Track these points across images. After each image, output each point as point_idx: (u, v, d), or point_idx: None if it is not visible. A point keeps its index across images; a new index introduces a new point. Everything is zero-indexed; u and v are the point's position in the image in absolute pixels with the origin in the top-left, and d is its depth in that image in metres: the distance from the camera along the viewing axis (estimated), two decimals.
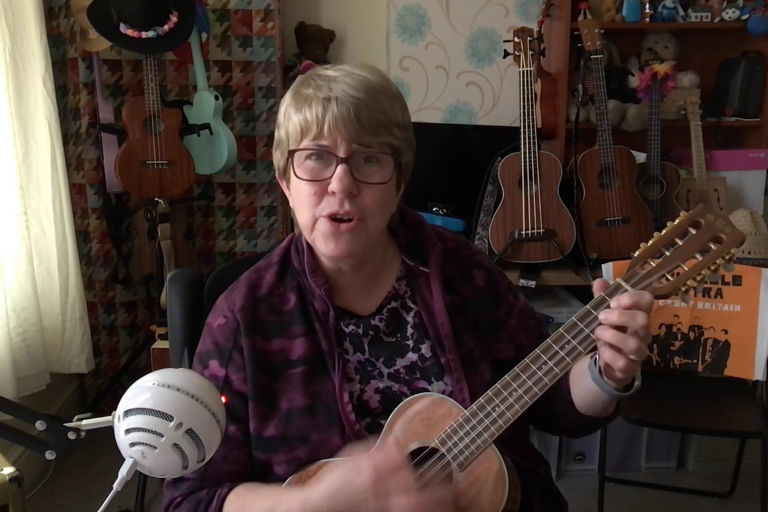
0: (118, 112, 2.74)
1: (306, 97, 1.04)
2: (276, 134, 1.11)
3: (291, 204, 1.12)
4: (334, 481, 0.96)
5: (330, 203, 1.04)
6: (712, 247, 0.96)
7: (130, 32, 2.44)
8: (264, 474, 1.12)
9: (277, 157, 1.12)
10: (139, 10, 2.44)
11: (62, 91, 2.81)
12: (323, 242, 1.07)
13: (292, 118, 1.06)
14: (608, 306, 0.96)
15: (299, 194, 1.07)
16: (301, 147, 1.05)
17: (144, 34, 2.44)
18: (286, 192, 1.13)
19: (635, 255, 0.98)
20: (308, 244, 1.14)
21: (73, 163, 2.84)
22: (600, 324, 0.96)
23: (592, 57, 2.56)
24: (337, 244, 1.05)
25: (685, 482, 2.63)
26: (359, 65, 1.09)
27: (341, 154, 1.02)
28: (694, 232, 0.97)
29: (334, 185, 1.02)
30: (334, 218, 1.04)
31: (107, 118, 2.76)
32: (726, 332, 2.22)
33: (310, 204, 1.05)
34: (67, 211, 2.54)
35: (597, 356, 1.01)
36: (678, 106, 2.86)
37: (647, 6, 2.82)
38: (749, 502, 2.44)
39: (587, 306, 0.98)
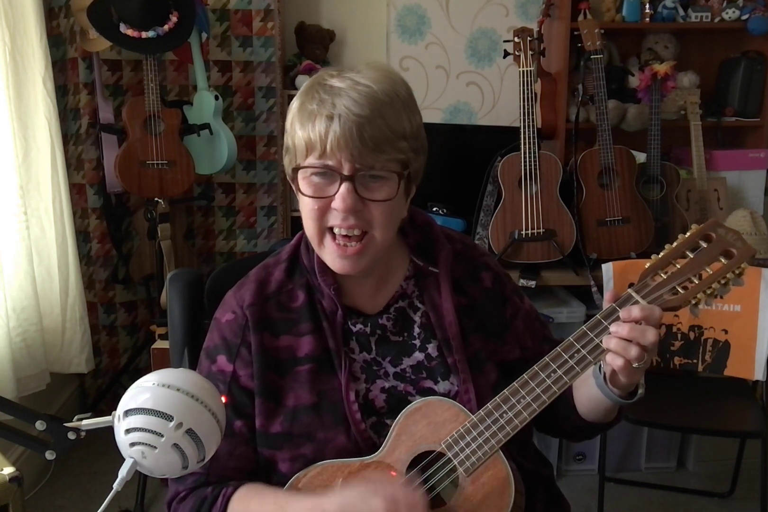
0: (118, 112, 2.74)
1: (310, 113, 1.02)
2: (285, 138, 1.10)
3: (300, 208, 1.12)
4: (351, 496, 0.97)
5: (334, 217, 1.04)
6: (723, 261, 0.96)
7: (130, 32, 2.44)
8: (268, 472, 1.12)
9: (287, 162, 1.10)
10: (139, 10, 2.44)
11: (62, 91, 2.81)
12: (331, 261, 1.08)
13: (297, 133, 1.04)
14: (618, 317, 0.96)
15: (304, 206, 1.07)
16: (306, 164, 1.04)
17: (144, 34, 2.44)
18: (297, 194, 1.12)
19: (647, 266, 0.98)
20: None
21: (73, 163, 2.84)
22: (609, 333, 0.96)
23: (592, 57, 2.56)
24: (344, 263, 1.06)
25: (685, 482, 2.63)
26: (367, 69, 1.06)
27: (345, 172, 1.01)
28: (705, 245, 0.97)
29: (338, 203, 1.02)
30: (340, 236, 1.04)
31: (107, 118, 2.76)
32: (726, 332, 2.22)
33: (315, 217, 1.05)
34: (67, 211, 2.54)
35: (602, 363, 1.02)
36: (678, 106, 2.86)
37: (647, 6, 2.82)
38: (749, 502, 2.44)
39: (598, 316, 0.98)
